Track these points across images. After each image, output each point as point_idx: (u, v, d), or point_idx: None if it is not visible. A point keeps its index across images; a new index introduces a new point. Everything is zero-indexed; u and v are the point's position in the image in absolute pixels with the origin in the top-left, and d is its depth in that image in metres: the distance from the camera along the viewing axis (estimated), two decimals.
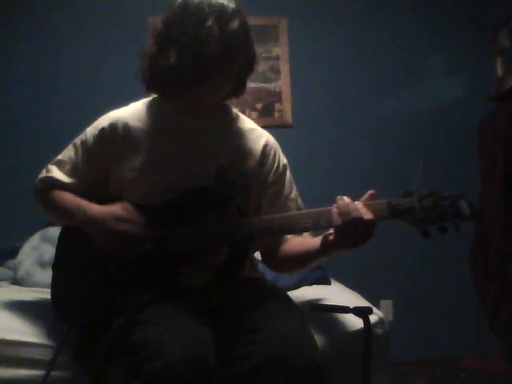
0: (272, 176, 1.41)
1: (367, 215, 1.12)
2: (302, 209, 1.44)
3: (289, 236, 1.39)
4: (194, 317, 1.14)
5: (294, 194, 1.46)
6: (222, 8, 1.23)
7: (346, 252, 1.21)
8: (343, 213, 1.13)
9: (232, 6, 1.25)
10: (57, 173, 1.40)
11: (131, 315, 1.13)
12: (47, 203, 1.40)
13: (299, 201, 1.45)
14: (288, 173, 1.47)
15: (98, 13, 2.92)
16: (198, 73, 1.23)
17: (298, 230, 1.31)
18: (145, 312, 1.13)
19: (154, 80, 1.31)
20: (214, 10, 1.22)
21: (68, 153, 1.42)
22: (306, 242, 1.35)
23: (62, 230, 1.44)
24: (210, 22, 1.21)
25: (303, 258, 1.33)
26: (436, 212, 1.09)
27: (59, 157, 1.43)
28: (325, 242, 1.23)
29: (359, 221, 1.12)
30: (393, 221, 1.15)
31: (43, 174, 1.42)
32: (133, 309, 1.14)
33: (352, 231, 1.13)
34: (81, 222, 1.29)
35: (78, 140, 1.41)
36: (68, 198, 1.36)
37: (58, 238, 1.44)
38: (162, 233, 1.25)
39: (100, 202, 1.31)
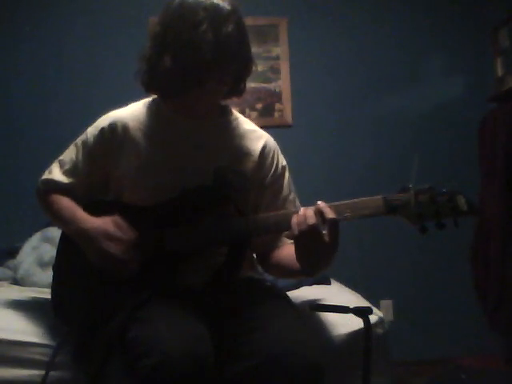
0: (270, 177, 1.41)
1: (330, 214, 1.12)
2: None
3: (289, 241, 1.39)
4: (191, 315, 1.14)
5: (293, 195, 1.45)
6: (216, 11, 1.22)
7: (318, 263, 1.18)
8: (300, 222, 1.13)
9: (227, 7, 1.24)
10: (57, 174, 1.40)
11: (129, 312, 1.13)
12: (46, 206, 1.41)
13: (297, 203, 1.45)
14: (287, 174, 1.46)
15: (98, 13, 2.92)
16: (193, 77, 1.24)
17: None
18: (143, 309, 1.14)
19: (152, 82, 1.31)
20: (208, 13, 1.22)
21: (69, 153, 1.42)
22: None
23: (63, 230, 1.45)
24: (203, 27, 1.20)
25: (293, 270, 1.29)
26: (433, 207, 1.09)
27: (61, 157, 1.44)
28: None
29: (314, 227, 1.11)
30: (391, 218, 1.14)
31: (45, 174, 1.43)
32: (131, 306, 1.14)
33: (309, 239, 1.13)
34: (73, 233, 1.30)
35: (79, 140, 1.42)
36: (65, 205, 1.36)
37: (59, 239, 1.45)
38: (156, 244, 1.25)
39: (99, 205, 1.32)
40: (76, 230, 1.29)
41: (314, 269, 1.22)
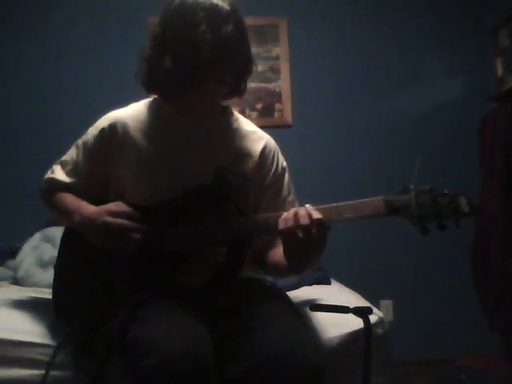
0: (270, 178, 1.41)
1: (316, 215, 1.12)
2: None
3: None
4: (191, 315, 1.14)
5: (292, 197, 1.45)
6: (215, 11, 1.22)
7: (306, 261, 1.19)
8: (288, 220, 1.13)
9: (226, 8, 1.24)
10: (59, 173, 1.42)
11: (130, 312, 1.13)
12: (50, 204, 1.43)
13: (296, 204, 1.44)
14: (287, 175, 1.46)
15: (98, 12, 2.92)
16: (192, 77, 1.24)
17: None
18: (143, 309, 1.14)
19: (152, 82, 1.31)
20: (207, 14, 1.22)
21: (71, 153, 1.44)
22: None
23: (65, 230, 1.46)
24: (203, 27, 1.20)
25: (286, 268, 1.29)
26: (434, 208, 1.09)
27: (63, 157, 1.45)
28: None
29: (304, 227, 1.11)
30: (392, 219, 1.14)
31: (48, 174, 1.45)
32: (131, 306, 1.15)
33: (299, 238, 1.13)
34: (78, 222, 1.30)
35: (80, 140, 1.43)
36: (69, 199, 1.37)
37: (61, 239, 1.46)
38: (157, 244, 1.26)
39: (100, 204, 1.32)
40: (80, 218, 1.29)
41: (300, 267, 1.23)
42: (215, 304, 1.25)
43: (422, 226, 1.10)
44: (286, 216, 1.14)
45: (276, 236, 1.38)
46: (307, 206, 1.15)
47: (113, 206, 1.26)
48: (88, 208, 1.30)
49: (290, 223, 1.13)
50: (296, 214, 1.13)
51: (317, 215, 1.12)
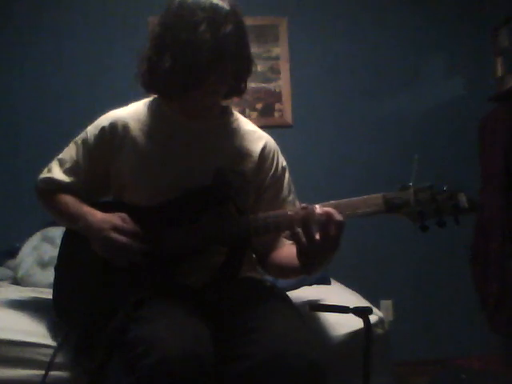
0: (270, 178, 1.41)
1: (338, 216, 1.10)
2: None
3: (287, 242, 1.39)
4: (191, 315, 1.14)
5: (292, 197, 1.45)
6: (215, 12, 1.22)
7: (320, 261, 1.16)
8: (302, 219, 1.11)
9: (226, 8, 1.24)
10: (57, 172, 1.41)
11: (129, 311, 1.13)
12: (49, 205, 1.42)
13: (297, 204, 1.44)
14: (287, 175, 1.46)
15: (98, 12, 2.92)
16: (191, 77, 1.24)
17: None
18: (143, 309, 1.14)
19: (152, 83, 1.31)
20: (207, 14, 1.22)
21: (69, 151, 1.43)
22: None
23: (66, 230, 1.45)
24: (202, 28, 1.20)
25: (293, 268, 1.28)
26: (433, 205, 1.08)
27: (60, 155, 1.44)
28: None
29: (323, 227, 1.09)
30: (391, 218, 1.14)
31: (44, 173, 1.43)
32: (131, 306, 1.15)
33: (314, 237, 1.10)
34: (81, 228, 1.30)
35: (78, 139, 1.42)
36: (70, 202, 1.37)
37: (62, 240, 1.45)
38: (156, 244, 1.26)
39: (101, 207, 1.32)
40: (85, 225, 1.29)
41: (313, 267, 1.20)
42: (215, 304, 1.25)
43: (421, 222, 1.09)
44: (297, 216, 1.12)
45: (279, 236, 1.38)
46: (326, 209, 1.11)
47: (119, 220, 1.26)
48: (93, 214, 1.30)
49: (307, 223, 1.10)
50: (312, 215, 1.10)
51: (338, 216, 1.09)
